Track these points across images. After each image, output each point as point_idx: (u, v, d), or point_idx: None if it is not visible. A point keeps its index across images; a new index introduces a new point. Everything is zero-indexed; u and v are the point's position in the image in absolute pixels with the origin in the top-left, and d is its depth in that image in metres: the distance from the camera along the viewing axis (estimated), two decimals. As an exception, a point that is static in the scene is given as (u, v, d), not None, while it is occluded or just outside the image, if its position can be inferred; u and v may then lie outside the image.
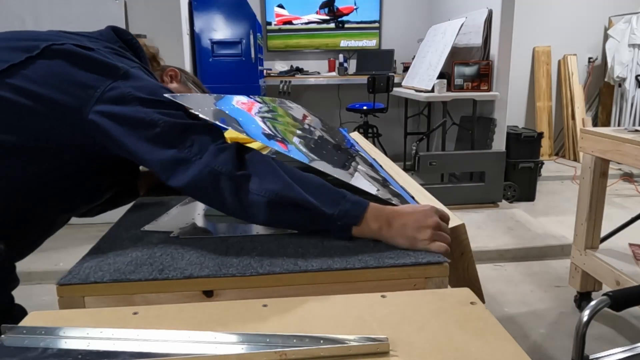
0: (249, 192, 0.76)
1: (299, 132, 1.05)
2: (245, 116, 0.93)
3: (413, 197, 0.98)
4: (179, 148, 0.77)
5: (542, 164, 4.50)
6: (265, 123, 0.94)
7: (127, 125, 0.79)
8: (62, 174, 0.86)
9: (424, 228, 0.75)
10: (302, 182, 0.77)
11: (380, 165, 1.23)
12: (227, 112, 0.89)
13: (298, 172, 0.79)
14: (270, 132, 0.90)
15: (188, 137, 0.78)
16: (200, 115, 0.80)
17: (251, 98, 1.19)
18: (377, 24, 5.32)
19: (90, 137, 0.82)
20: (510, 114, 4.09)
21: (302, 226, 0.81)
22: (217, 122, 0.80)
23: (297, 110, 1.37)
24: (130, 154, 0.80)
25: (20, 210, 0.86)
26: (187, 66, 3.54)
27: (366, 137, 4.52)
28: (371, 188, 0.90)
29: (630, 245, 2.15)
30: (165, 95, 0.80)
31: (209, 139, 0.79)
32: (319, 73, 5.22)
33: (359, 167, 1.05)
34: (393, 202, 0.86)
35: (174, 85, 1.11)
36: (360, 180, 0.92)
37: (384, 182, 1.02)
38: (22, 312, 0.92)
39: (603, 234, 2.17)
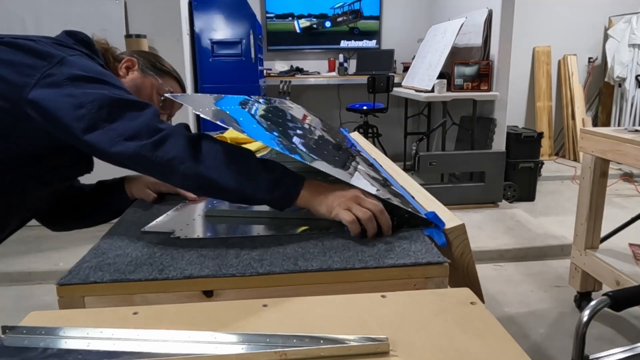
0: (180, 175, 0.80)
1: (299, 132, 1.05)
2: (246, 116, 0.93)
3: (413, 197, 0.98)
4: (103, 128, 0.81)
5: (542, 164, 4.50)
6: (265, 123, 0.94)
7: (60, 107, 0.82)
8: (14, 158, 0.90)
9: (342, 197, 0.82)
10: (239, 168, 0.81)
11: (381, 165, 1.23)
12: (227, 112, 0.89)
13: (236, 153, 0.83)
14: (269, 132, 0.90)
15: (115, 113, 0.82)
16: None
17: (251, 98, 1.19)
18: (377, 24, 5.32)
19: (32, 117, 0.84)
20: (510, 114, 4.08)
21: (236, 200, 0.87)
22: (218, 122, 0.80)
23: (298, 110, 1.37)
24: (66, 132, 0.83)
25: None
26: (187, 66, 3.54)
27: (366, 137, 4.52)
28: (371, 188, 0.90)
29: (630, 245, 2.15)
30: (165, 95, 0.82)
31: (134, 115, 0.82)
32: (319, 73, 5.22)
33: (360, 167, 1.05)
34: (393, 202, 0.86)
35: (130, 77, 1.10)
36: (360, 180, 0.92)
37: (385, 182, 1.02)
38: None
39: (603, 234, 2.17)
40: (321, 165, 0.86)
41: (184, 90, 1.21)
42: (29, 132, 0.87)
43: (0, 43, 0.88)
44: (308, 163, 0.84)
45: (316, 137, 1.09)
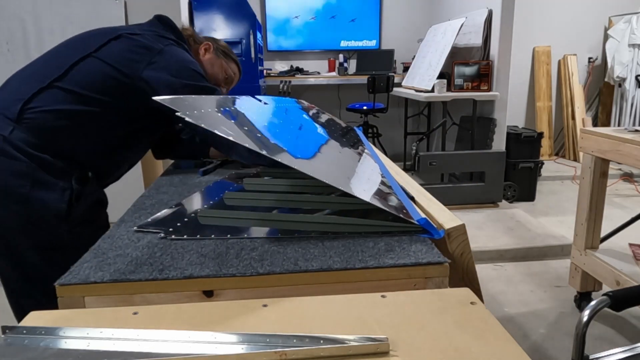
0: None
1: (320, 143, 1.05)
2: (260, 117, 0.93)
3: (413, 198, 0.98)
4: None
5: (542, 164, 4.50)
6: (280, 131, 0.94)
7: (160, 87, 1.22)
8: (128, 121, 1.28)
9: None
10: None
11: (383, 164, 1.23)
12: (243, 112, 0.89)
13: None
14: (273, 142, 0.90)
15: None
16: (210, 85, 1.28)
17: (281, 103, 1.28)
18: (377, 24, 5.32)
19: (142, 90, 1.22)
20: (510, 114, 4.09)
21: None
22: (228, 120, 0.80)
23: (323, 116, 1.41)
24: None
25: (100, 148, 1.25)
26: (187, 66, 3.54)
27: (366, 137, 4.51)
28: (364, 194, 0.90)
29: (630, 245, 2.16)
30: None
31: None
32: (319, 73, 5.22)
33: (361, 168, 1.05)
34: (382, 207, 0.86)
35: (207, 56, 1.51)
36: (358, 182, 0.92)
37: (386, 195, 1.02)
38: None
39: (603, 234, 2.17)
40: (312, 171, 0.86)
41: (240, 72, 1.64)
42: (140, 97, 1.23)
43: (119, 37, 1.26)
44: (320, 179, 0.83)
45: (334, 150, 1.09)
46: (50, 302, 1.19)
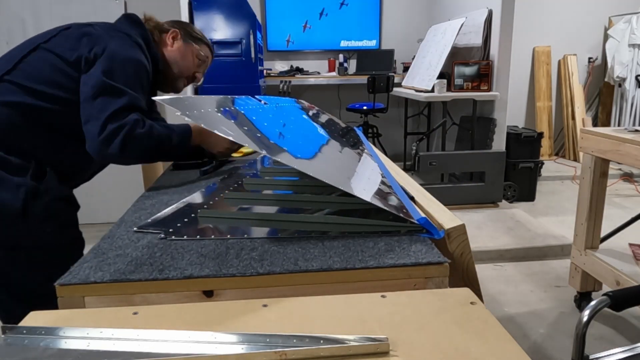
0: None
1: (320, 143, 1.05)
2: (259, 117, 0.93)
3: (413, 198, 0.98)
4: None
5: (542, 164, 4.50)
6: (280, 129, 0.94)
7: (91, 79, 1.15)
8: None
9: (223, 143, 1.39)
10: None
11: (383, 164, 1.23)
12: (242, 112, 0.89)
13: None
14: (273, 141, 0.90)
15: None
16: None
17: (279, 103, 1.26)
18: (377, 24, 5.31)
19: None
20: (510, 114, 4.08)
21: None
22: (228, 120, 0.80)
23: (323, 116, 1.41)
24: None
25: (58, 144, 1.18)
26: (187, 66, 3.54)
27: (366, 137, 4.51)
28: (365, 194, 0.90)
29: (630, 245, 2.16)
30: (156, 98, 1.00)
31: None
32: (319, 73, 5.21)
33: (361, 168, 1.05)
34: (383, 207, 0.86)
35: (176, 45, 1.41)
36: (359, 182, 0.92)
37: (386, 195, 1.02)
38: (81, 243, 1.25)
39: (603, 234, 2.17)
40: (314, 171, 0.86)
41: (213, 53, 1.53)
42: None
43: (70, 27, 1.23)
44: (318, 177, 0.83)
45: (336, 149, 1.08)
46: (17, 303, 1.16)
